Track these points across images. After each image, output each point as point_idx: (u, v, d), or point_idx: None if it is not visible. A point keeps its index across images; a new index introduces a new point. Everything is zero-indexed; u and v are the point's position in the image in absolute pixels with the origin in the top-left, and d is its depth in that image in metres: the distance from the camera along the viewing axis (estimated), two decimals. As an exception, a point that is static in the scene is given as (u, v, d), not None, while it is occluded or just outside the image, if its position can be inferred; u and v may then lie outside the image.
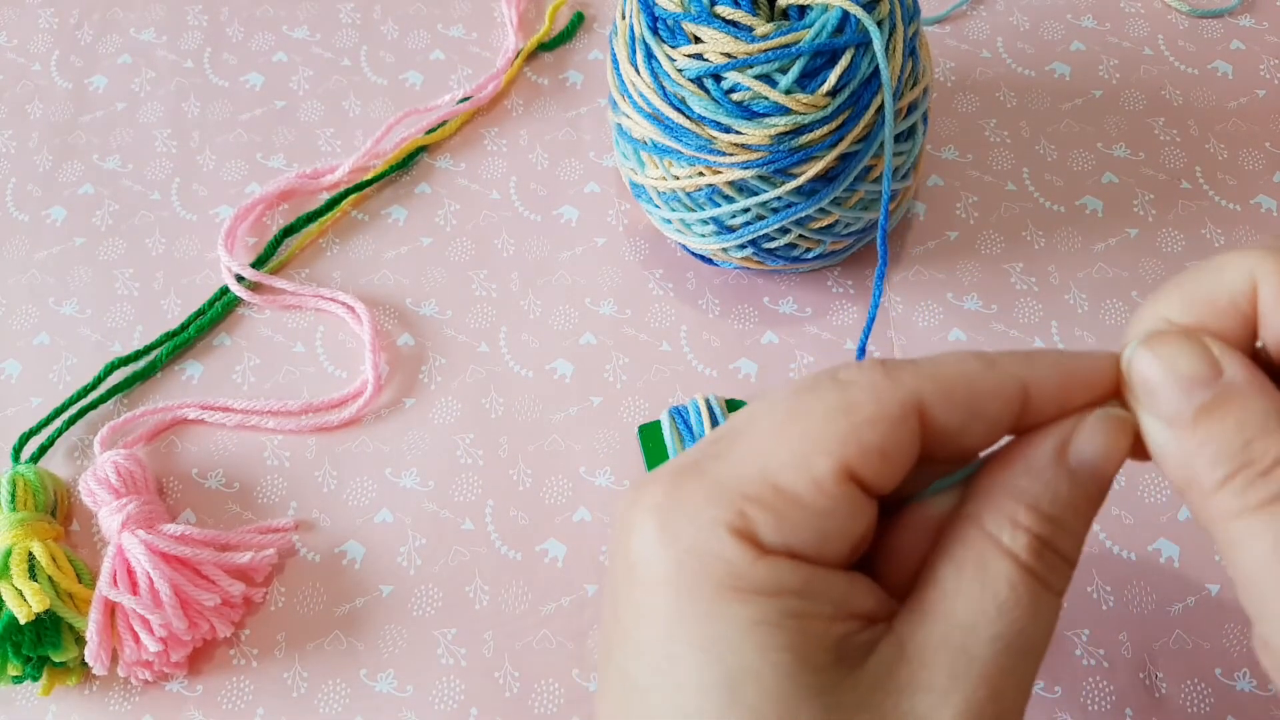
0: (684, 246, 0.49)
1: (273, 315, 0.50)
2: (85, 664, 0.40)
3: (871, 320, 0.45)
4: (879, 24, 0.41)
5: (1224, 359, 0.24)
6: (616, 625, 0.25)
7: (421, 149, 0.54)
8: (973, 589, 0.24)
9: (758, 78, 0.40)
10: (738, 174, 0.42)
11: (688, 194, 0.44)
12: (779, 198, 0.43)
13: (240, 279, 0.50)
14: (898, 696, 0.23)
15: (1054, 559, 0.24)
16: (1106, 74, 0.55)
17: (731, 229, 0.45)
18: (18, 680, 0.41)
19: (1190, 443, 0.23)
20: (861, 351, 0.46)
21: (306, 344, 0.49)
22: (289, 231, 0.51)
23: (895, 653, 0.23)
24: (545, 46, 0.57)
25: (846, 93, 0.41)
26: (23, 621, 0.39)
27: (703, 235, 0.46)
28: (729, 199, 0.44)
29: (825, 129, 0.41)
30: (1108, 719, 0.40)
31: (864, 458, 0.24)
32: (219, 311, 0.50)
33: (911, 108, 0.44)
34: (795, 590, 0.23)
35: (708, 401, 0.45)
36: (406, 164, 0.53)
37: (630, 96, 0.44)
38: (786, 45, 0.40)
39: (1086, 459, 0.24)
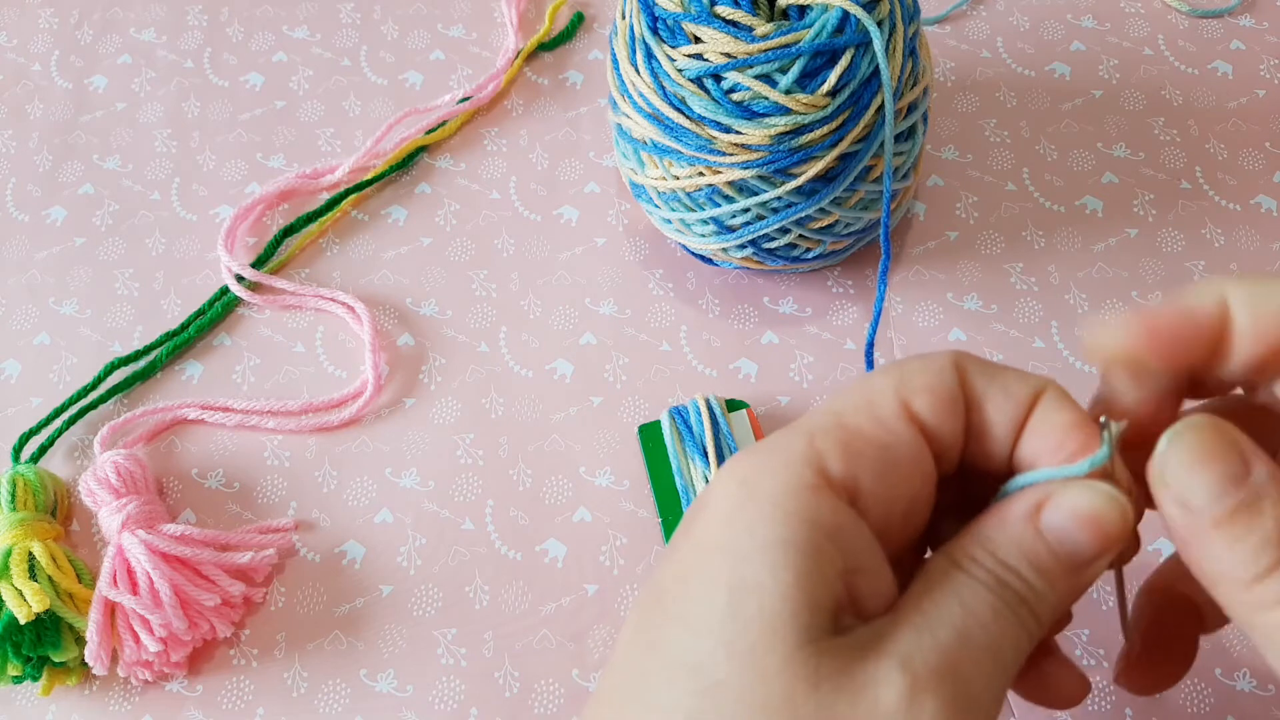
0: (684, 246, 0.49)
1: (273, 315, 0.50)
2: (85, 664, 0.40)
3: (878, 316, 0.45)
4: (879, 24, 0.41)
5: (1252, 457, 0.25)
6: (666, 553, 0.27)
7: (421, 149, 0.54)
8: (939, 595, 0.25)
9: (758, 78, 0.40)
10: (738, 174, 0.42)
11: (688, 194, 0.44)
12: (779, 198, 0.43)
13: (240, 279, 0.50)
14: (864, 661, 0.24)
15: (1015, 599, 0.25)
16: (1106, 74, 0.55)
17: (731, 229, 0.45)
18: (18, 680, 0.41)
19: (1222, 540, 0.24)
20: (870, 346, 0.46)
21: (306, 344, 0.49)
22: (289, 231, 0.51)
23: (870, 634, 0.25)
24: (545, 46, 0.57)
25: (846, 93, 0.41)
26: (23, 621, 0.39)
27: (703, 235, 0.46)
28: (729, 199, 0.44)
29: (825, 129, 0.41)
30: (1107, 719, 0.40)
31: (916, 395, 0.26)
32: (219, 311, 0.50)
33: (911, 108, 0.44)
34: (827, 528, 0.24)
35: (708, 401, 0.45)
36: (406, 164, 0.53)
37: (630, 96, 0.44)
38: (786, 45, 0.40)
39: (1054, 526, 0.26)
